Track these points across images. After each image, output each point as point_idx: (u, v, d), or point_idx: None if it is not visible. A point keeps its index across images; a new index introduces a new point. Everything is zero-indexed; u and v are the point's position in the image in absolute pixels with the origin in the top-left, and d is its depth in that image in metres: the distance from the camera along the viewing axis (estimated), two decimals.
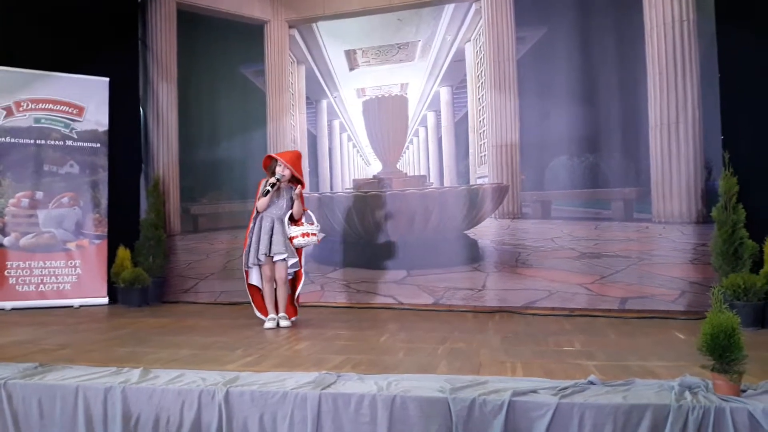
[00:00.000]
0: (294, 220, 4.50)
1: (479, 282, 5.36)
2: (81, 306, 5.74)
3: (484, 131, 5.51)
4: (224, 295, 5.99)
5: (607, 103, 5.11)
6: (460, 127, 5.65)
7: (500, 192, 5.40)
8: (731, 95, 4.63)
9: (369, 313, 5.27)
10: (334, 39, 6.04)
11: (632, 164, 5.03)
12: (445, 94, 5.76)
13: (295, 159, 4.58)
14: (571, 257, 5.14)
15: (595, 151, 5.13)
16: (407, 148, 5.88)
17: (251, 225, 4.44)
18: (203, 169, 6.40)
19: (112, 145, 6.12)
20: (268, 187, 4.35)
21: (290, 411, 2.47)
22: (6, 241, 5.67)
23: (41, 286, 5.75)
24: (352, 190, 5.95)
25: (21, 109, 5.80)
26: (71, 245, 5.90)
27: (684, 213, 4.85)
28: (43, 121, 5.88)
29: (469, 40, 5.62)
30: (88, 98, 6.03)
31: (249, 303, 4.62)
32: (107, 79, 6.09)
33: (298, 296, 4.57)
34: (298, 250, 4.48)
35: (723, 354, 2.29)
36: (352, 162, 6.06)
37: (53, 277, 5.79)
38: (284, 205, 4.46)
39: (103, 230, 6.03)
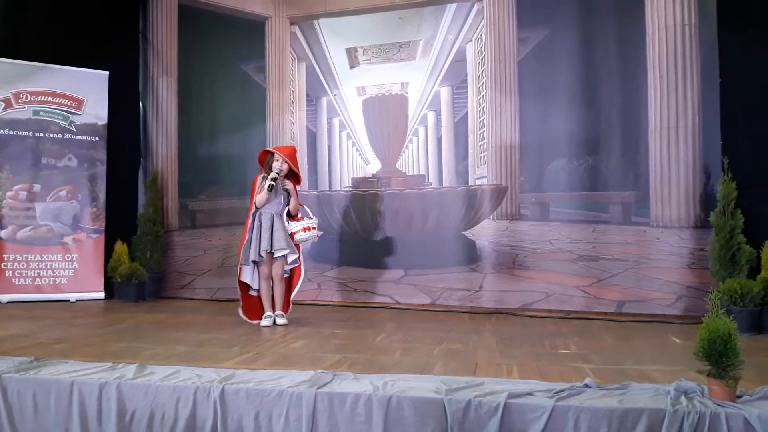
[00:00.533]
0: (291, 216, 4.49)
1: (476, 283, 5.36)
2: (77, 300, 5.72)
3: (483, 132, 5.50)
4: (221, 291, 5.98)
5: (607, 105, 5.11)
6: (460, 127, 5.64)
7: (499, 193, 5.40)
8: (731, 100, 4.63)
9: (366, 312, 5.27)
10: (336, 36, 6.03)
11: (631, 168, 5.03)
12: (445, 94, 5.75)
13: (293, 153, 4.58)
14: (568, 260, 5.14)
15: (594, 153, 5.12)
16: (407, 147, 5.88)
17: (249, 221, 4.43)
18: (202, 165, 6.39)
19: (110, 139, 6.09)
20: (271, 182, 4.33)
21: (285, 409, 2.46)
22: (3, 233, 5.66)
23: (38, 279, 5.73)
24: (350, 189, 5.95)
25: (20, 101, 5.78)
26: (68, 239, 5.88)
27: (682, 217, 4.85)
28: (42, 113, 5.86)
29: (471, 40, 5.61)
30: (87, 91, 6.00)
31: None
32: (107, 72, 6.06)
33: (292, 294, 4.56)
34: (297, 246, 4.48)
35: (719, 359, 2.29)
36: (352, 160, 6.05)
37: (50, 271, 5.78)
38: (282, 200, 4.46)
39: (101, 224, 6.02)
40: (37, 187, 5.81)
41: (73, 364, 2.90)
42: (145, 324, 4.46)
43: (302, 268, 4.55)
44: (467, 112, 5.59)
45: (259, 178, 4.49)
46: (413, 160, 5.85)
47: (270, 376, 2.67)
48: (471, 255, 5.45)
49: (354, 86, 6.00)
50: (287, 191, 4.44)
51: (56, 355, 3.08)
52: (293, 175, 4.53)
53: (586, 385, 2.49)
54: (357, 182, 5.97)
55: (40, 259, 5.75)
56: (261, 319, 4.40)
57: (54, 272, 5.79)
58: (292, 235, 4.42)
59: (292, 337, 3.90)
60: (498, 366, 3.03)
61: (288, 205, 4.46)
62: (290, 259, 4.41)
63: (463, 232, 5.50)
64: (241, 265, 4.44)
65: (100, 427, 2.61)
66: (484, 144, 5.50)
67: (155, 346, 3.48)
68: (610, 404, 2.29)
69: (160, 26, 6.53)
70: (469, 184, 5.54)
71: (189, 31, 6.46)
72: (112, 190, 6.11)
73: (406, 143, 5.88)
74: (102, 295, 5.88)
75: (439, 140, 5.74)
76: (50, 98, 5.89)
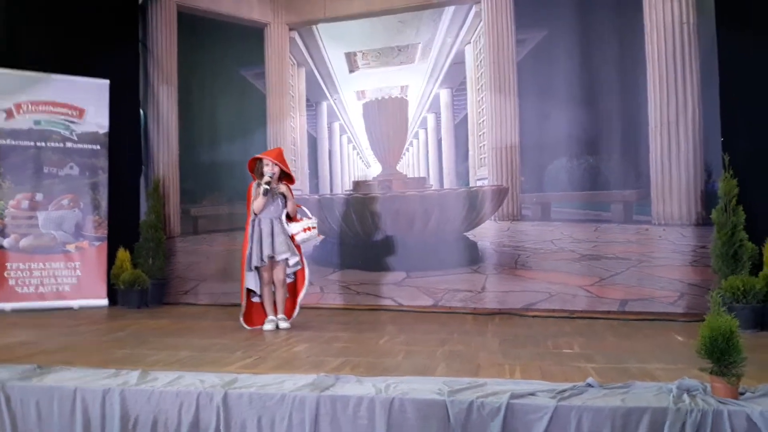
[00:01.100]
0: (290, 218, 4.50)
1: (479, 284, 5.36)
2: (80, 307, 5.73)
3: (483, 133, 5.51)
4: (224, 296, 5.98)
5: (606, 105, 5.11)
6: (460, 129, 5.65)
7: (500, 194, 5.40)
8: (731, 97, 4.62)
9: (368, 315, 5.27)
10: (335, 41, 6.04)
11: (632, 166, 5.03)
12: (445, 96, 5.76)
13: (280, 155, 4.59)
14: (570, 259, 5.13)
15: (594, 153, 5.12)
16: (407, 150, 5.88)
17: (249, 229, 4.43)
18: (203, 171, 6.40)
19: (112, 147, 6.12)
20: (265, 186, 4.34)
21: (288, 413, 2.47)
22: (6, 242, 5.67)
23: (41, 287, 5.75)
24: (351, 192, 5.95)
25: (21, 111, 5.80)
26: (71, 247, 5.90)
27: (684, 215, 4.84)
28: (43, 123, 5.88)
29: (469, 42, 5.62)
30: (88, 100, 6.03)
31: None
32: (107, 81, 6.08)
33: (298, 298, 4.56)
34: (299, 248, 4.48)
35: (721, 357, 2.29)
36: (352, 164, 6.06)
37: (53, 279, 5.80)
38: (279, 204, 4.46)
39: (103, 232, 6.04)
40: (39, 196, 5.83)
41: (76, 371, 2.90)
42: (148, 330, 4.47)
43: (306, 271, 4.55)
44: (467, 114, 5.60)
45: (253, 185, 4.50)
46: (414, 162, 5.86)
47: (273, 380, 2.68)
48: (473, 256, 5.45)
49: (354, 90, 6.02)
50: (283, 194, 4.46)
51: (60, 363, 3.08)
52: (286, 176, 4.55)
53: (589, 385, 2.49)
54: (358, 185, 5.98)
55: (42, 267, 5.76)
56: (262, 325, 4.41)
57: (57, 280, 5.81)
58: (293, 237, 4.43)
59: (295, 341, 3.91)
60: (500, 366, 3.03)
61: (285, 207, 4.47)
62: (291, 262, 4.42)
63: (465, 234, 5.50)
64: (245, 272, 4.45)
65: None
66: (484, 145, 5.50)
67: (158, 352, 3.49)
68: (612, 403, 2.29)
69: (159, 34, 6.55)
70: (470, 185, 5.54)
71: (188, 39, 6.48)
72: (114, 197, 6.13)
73: (406, 146, 5.88)
74: (105, 302, 5.89)
75: (439, 142, 5.75)
76: (51, 108, 5.92)
